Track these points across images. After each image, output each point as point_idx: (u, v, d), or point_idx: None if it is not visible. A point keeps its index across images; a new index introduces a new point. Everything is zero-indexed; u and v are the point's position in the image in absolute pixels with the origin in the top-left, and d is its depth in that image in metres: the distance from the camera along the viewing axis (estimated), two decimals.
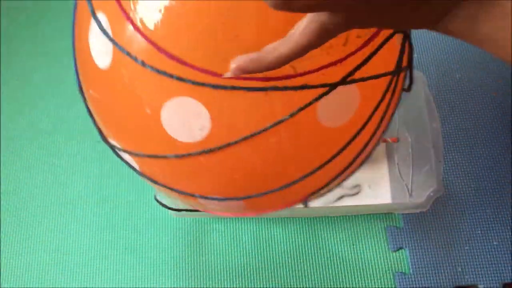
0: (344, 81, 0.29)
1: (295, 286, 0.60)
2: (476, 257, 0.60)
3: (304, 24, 0.24)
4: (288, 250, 0.62)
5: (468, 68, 0.71)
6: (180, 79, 0.28)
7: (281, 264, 0.61)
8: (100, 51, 0.30)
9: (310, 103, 0.29)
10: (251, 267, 0.61)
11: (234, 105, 0.29)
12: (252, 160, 0.31)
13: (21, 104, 0.74)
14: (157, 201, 0.54)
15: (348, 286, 0.59)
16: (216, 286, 0.61)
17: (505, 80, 0.69)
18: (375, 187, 0.64)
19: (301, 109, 0.29)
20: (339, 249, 0.61)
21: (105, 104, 0.34)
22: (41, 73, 0.76)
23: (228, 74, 0.25)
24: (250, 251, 0.62)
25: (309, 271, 0.60)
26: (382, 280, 0.59)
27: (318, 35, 0.24)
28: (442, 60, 0.71)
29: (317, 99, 0.29)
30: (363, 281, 0.59)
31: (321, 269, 0.60)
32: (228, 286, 0.60)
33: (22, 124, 0.73)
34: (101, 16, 0.29)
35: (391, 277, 0.59)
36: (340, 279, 0.60)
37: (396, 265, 0.60)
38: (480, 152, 0.65)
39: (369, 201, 0.63)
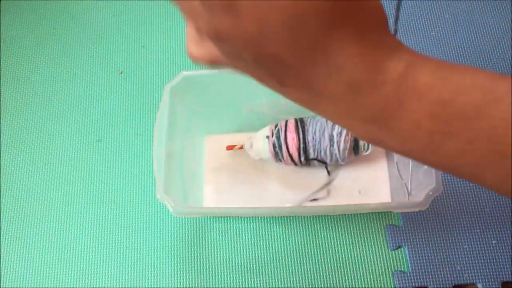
0: None
1: (295, 285, 0.60)
2: (475, 256, 0.60)
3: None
4: (288, 249, 0.62)
5: None
6: None
7: (281, 263, 0.61)
8: None
9: None
10: (251, 266, 0.61)
11: None
12: None
13: (21, 104, 0.74)
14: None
15: (347, 284, 0.60)
16: (217, 286, 0.61)
17: None
18: (374, 186, 0.64)
19: None
20: (339, 248, 0.61)
21: None
22: (41, 73, 0.77)
23: None
24: (250, 250, 0.62)
25: (308, 269, 0.61)
26: (381, 278, 0.60)
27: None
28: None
29: None
30: (362, 280, 0.60)
31: (320, 268, 0.61)
32: (228, 286, 0.61)
33: (22, 124, 0.73)
34: None
35: (390, 275, 0.60)
36: (340, 278, 0.60)
37: (395, 264, 0.60)
38: None
39: (368, 200, 0.63)
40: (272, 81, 0.23)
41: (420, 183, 0.55)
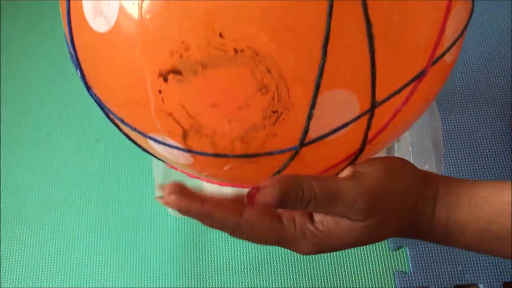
0: None
1: (295, 285, 0.60)
2: (477, 256, 0.59)
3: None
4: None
5: (469, 66, 0.70)
6: None
7: (281, 263, 0.61)
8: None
9: None
10: (252, 266, 0.61)
11: None
12: None
13: (20, 103, 0.74)
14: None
15: (347, 284, 0.59)
16: (217, 286, 0.61)
17: (506, 78, 0.69)
18: None
19: None
20: None
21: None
22: (40, 73, 0.77)
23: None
24: (250, 250, 0.62)
25: (308, 269, 0.60)
26: (382, 279, 0.59)
27: None
28: None
29: None
30: (363, 280, 0.59)
31: (320, 268, 0.60)
32: (228, 286, 0.60)
33: (21, 124, 0.73)
34: None
35: (391, 276, 0.59)
36: (340, 278, 0.60)
37: (396, 264, 0.60)
38: (481, 150, 0.65)
39: None
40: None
41: None
